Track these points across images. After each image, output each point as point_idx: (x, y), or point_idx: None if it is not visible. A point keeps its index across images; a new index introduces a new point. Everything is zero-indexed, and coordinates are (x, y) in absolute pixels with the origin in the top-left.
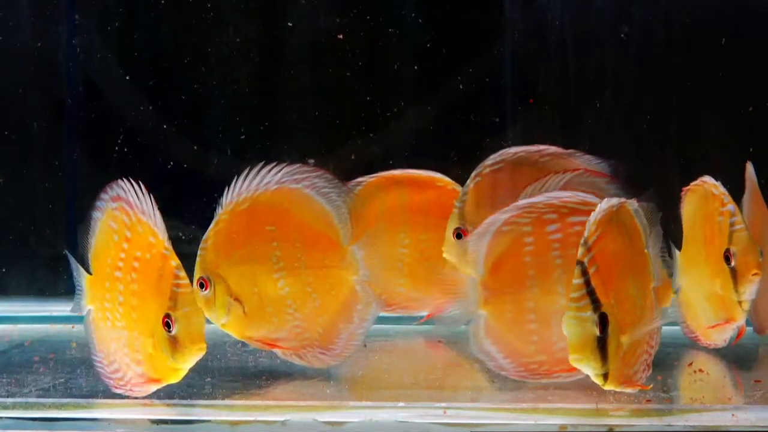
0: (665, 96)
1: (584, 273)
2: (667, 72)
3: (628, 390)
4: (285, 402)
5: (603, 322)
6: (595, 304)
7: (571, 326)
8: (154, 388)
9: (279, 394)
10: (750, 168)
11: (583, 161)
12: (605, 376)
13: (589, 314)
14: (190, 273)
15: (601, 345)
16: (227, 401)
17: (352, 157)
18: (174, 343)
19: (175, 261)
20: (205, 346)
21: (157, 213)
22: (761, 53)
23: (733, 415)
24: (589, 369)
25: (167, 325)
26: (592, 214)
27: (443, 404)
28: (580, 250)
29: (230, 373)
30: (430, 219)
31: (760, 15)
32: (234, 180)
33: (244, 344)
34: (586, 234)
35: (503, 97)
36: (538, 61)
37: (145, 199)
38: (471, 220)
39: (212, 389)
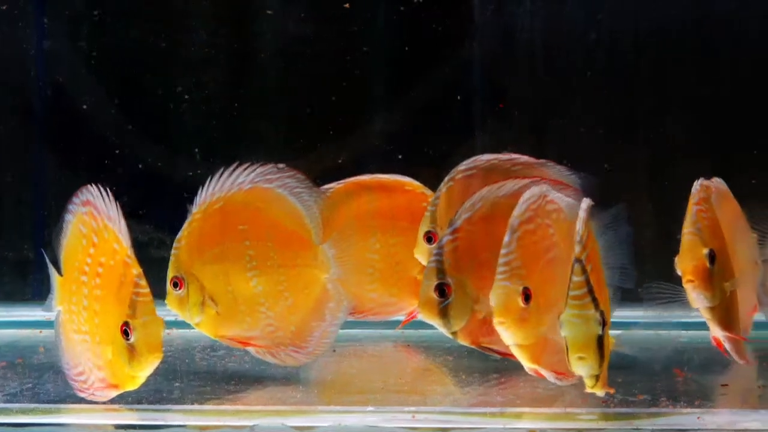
0: (635, 102)
1: (584, 270)
2: (636, 79)
3: (600, 392)
4: (254, 407)
5: (603, 320)
6: (596, 302)
7: (575, 325)
8: (114, 393)
9: (248, 399)
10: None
11: (554, 172)
12: (597, 378)
13: (592, 312)
14: (164, 275)
15: (600, 345)
16: (196, 406)
17: (322, 162)
18: (131, 351)
19: (136, 269)
20: (161, 355)
21: (122, 220)
22: (728, 60)
23: (698, 417)
24: (588, 369)
25: (125, 333)
26: (581, 212)
27: (412, 408)
28: (577, 248)
29: (199, 377)
30: (400, 223)
31: (728, 22)
32: (208, 180)
33: (213, 349)
34: (579, 232)
35: (472, 102)
36: (507, 66)
37: (112, 206)
38: (442, 224)
39: (181, 394)
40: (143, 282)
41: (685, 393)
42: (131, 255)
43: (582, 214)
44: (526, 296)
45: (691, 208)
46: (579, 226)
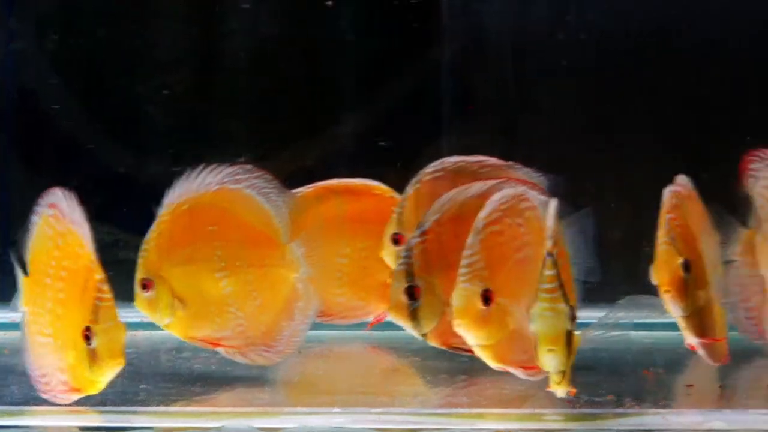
0: (603, 103)
1: (555, 264)
2: (605, 79)
3: (560, 393)
4: (220, 408)
5: (573, 315)
6: (566, 296)
7: (546, 318)
8: (75, 397)
9: (214, 401)
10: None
11: (522, 174)
12: (563, 374)
13: (563, 306)
14: (132, 276)
15: (569, 340)
16: (161, 408)
17: (289, 163)
18: (93, 356)
19: (99, 274)
20: (123, 361)
21: (86, 224)
22: (697, 60)
23: (663, 417)
24: (556, 364)
25: (87, 338)
26: (550, 208)
27: (378, 409)
28: (548, 242)
29: (164, 379)
30: (368, 227)
31: (696, 22)
32: (175, 181)
33: (178, 350)
34: (551, 227)
35: (441, 103)
36: (476, 67)
37: (76, 210)
38: (409, 226)
39: (146, 396)
40: (106, 287)
41: (650, 393)
42: (94, 260)
43: (551, 210)
44: (486, 298)
45: (664, 217)
46: (549, 221)
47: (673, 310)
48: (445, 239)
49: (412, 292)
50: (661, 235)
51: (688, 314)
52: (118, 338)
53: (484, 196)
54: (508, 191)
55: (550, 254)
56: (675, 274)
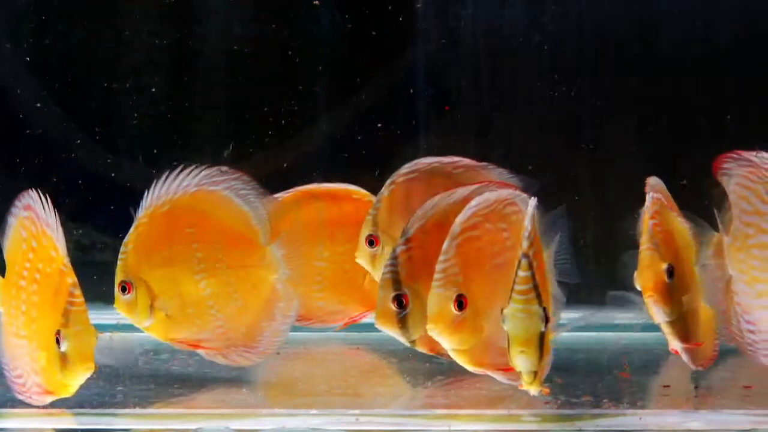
0: (578, 104)
1: (530, 266)
2: (580, 81)
3: (534, 391)
4: (197, 410)
5: (546, 316)
6: (540, 298)
7: (519, 319)
8: (49, 399)
9: (191, 402)
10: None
11: (496, 174)
12: (535, 374)
13: (536, 308)
14: (111, 278)
15: (541, 341)
16: (139, 410)
17: (266, 167)
18: (64, 360)
19: (71, 278)
20: (93, 365)
21: (60, 228)
22: (671, 61)
23: (640, 418)
24: (528, 365)
25: (58, 342)
26: (528, 209)
27: (356, 411)
28: (525, 244)
29: (142, 381)
30: (347, 231)
31: (670, 24)
32: (153, 184)
33: (156, 352)
34: (528, 228)
35: (417, 105)
36: (452, 69)
37: (50, 213)
38: (383, 228)
39: (124, 397)
40: (78, 291)
41: (627, 394)
42: (67, 264)
43: (529, 210)
44: (460, 303)
45: (647, 223)
46: (527, 222)
47: (656, 315)
48: (430, 246)
49: (400, 300)
50: (645, 241)
51: (671, 319)
52: (89, 342)
53: (467, 201)
54: (490, 195)
55: (525, 255)
56: (659, 279)
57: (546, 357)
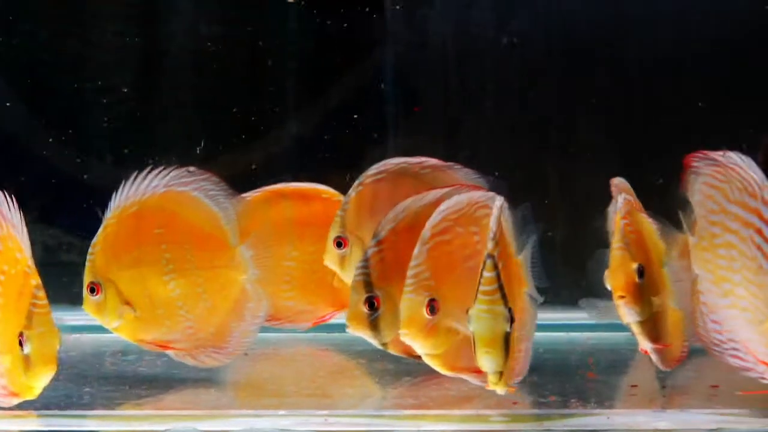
0: (546, 106)
1: (495, 267)
2: (548, 82)
3: (500, 391)
4: (165, 411)
5: (511, 317)
6: (505, 298)
7: (484, 320)
8: (15, 401)
9: (159, 403)
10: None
11: (462, 174)
12: (501, 375)
13: (501, 308)
14: (80, 279)
15: (507, 341)
16: (106, 411)
17: (234, 167)
18: (27, 362)
19: (35, 280)
20: (55, 367)
21: (24, 229)
22: (640, 62)
23: (608, 418)
24: (493, 365)
25: (21, 343)
26: (494, 209)
27: (325, 412)
28: (490, 244)
29: (110, 382)
30: (317, 231)
31: (638, 24)
32: (122, 184)
33: (123, 353)
34: (493, 229)
35: (386, 106)
36: (420, 70)
37: (16, 213)
38: (351, 229)
39: (91, 399)
40: (41, 293)
41: (594, 394)
42: (31, 265)
43: (495, 211)
44: (432, 307)
45: (619, 223)
46: (492, 223)
47: (627, 315)
48: (402, 248)
49: (372, 303)
50: (616, 241)
51: (642, 320)
52: (51, 345)
53: (438, 203)
54: (461, 198)
55: (490, 256)
56: (629, 279)
57: (512, 357)
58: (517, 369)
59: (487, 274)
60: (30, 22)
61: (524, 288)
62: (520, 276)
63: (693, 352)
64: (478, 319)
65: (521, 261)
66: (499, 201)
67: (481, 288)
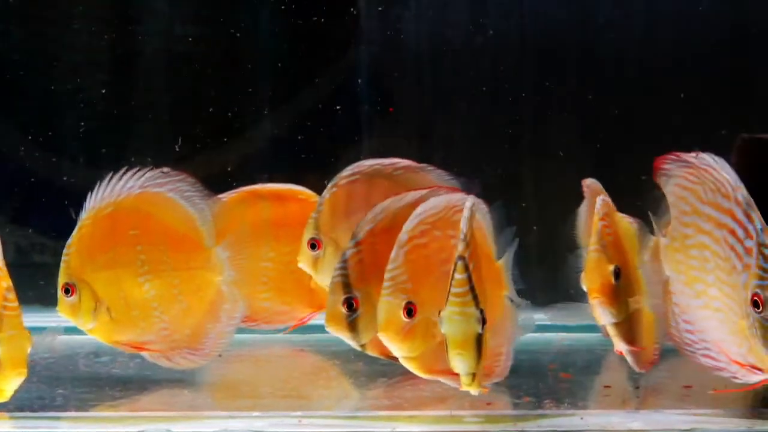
0: (519, 106)
1: (466, 268)
2: (521, 82)
3: (474, 391)
4: (139, 413)
5: (483, 318)
6: (476, 300)
7: (456, 322)
8: None
9: (133, 405)
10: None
11: (435, 176)
12: (473, 376)
13: (473, 310)
14: (49, 280)
15: (478, 343)
16: (80, 413)
17: (209, 168)
18: None
19: (6, 282)
20: (25, 371)
21: None
22: (614, 66)
23: (581, 418)
24: (466, 367)
25: None
26: (465, 211)
27: (298, 413)
28: (461, 246)
29: (83, 384)
30: (293, 232)
31: (608, 26)
32: (97, 185)
33: (96, 355)
34: (464, 230)
35: (360, 106)
36: (394, 71)
37: None
38: (325, 231)
39: (64, 401)
40: (12, 296)
41: (568, 394)
42: (2, 267)
43: (465, 212)
44: (409, 310)
45: (597, 225)
46: (462, 224)
47: (602, 316)
48: (380, 249)
49: (350, 303)
50: (593, 242)
51: (617, 321)
52: (21, 347)
53: (416, 205)
54: (438, 201)
55: (461, 258)
56: (605, 281)
57: (485, 358)
58: (498, 371)
59: (458, 275)
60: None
61: (504, 291)
62: (500, 280)
63: (666, 352)
64: (450, 321)
65: (501, 265)
66: (469, 202)
67: (452, 290)
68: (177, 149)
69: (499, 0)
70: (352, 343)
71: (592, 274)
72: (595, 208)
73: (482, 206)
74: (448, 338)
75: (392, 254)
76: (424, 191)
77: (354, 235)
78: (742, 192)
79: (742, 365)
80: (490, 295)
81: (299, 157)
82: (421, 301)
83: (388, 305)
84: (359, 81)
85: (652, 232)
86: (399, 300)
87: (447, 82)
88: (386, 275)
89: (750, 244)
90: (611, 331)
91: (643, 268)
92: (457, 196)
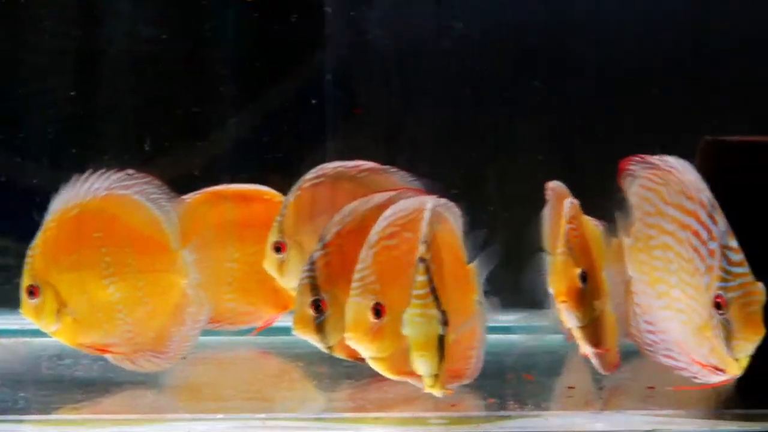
0: (485, 107)
1: (427, 270)
2: (488, 82)
3: (438, 393)
4: (101, 416)
5: (445, 320)
6: (438, 301)
7: (417, 324)
8: None
9: (96, 408)
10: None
11: (398, 177)
12: (437, 377)
13: (434, 311)
14: (12, 282)
15: (441, 344)
16: (42, 416)
17: (172, 169)
18: None
19: None
20: None
21: None
22: (582, 67)
23: (546, 420)
24: (428, 368)
25: None
26: (425, 213)
27: (262, 415)
28: (422, 248)
29: (46, 387)
30: (258, 232)
31: (579, 28)
32: (62, 187)
33: (59, 357)
34: (424, 232)
35: (325, 108)
36: (360, 72)
37: None
38: (290, 234)
39: (26, 404)
40: None
41: (532, 396)
42: None
43: (426, 214)
44: (377, 311)
45: (564, 228)
46: (423, 226)
47: (569, 320)
48: (348, 251)
49: (318, 305)
50: (560, 246)
51: (583, 324)
52: None
53: (384, 207)
54: (408, 203)
55: (422, 260)
56: (572, 284)
57: (448, 359)
58: (468, 373)
59: (420, 277)
60: None
61: (475, 295)
62: (471, 283)
63: (630, 353)
64: (411, 323)
65: (473, 268)
66: (430, 205)
67: (414, 292)
68: (143, 151)
69: (465, 1)
70: (320, 346)
71: (559, 277)
72: (563, 211)
73: (454, 209)
74: (410, 340)
75: (361, 255)
76: (392, 193)
77: (321, 237)
78: (706, 194)
79: (703, 365)
80: (461, 298)
81: (265, 159)
82: (390, 302)
83: (356, 306)
84: (325, 82)
85: (615, 233)
86: (367, 301)
87: (414, 83)
88: (354, 276)
89: (713, 246)
90: (576, 335)
91: (606, 269)
92: (428, 199)
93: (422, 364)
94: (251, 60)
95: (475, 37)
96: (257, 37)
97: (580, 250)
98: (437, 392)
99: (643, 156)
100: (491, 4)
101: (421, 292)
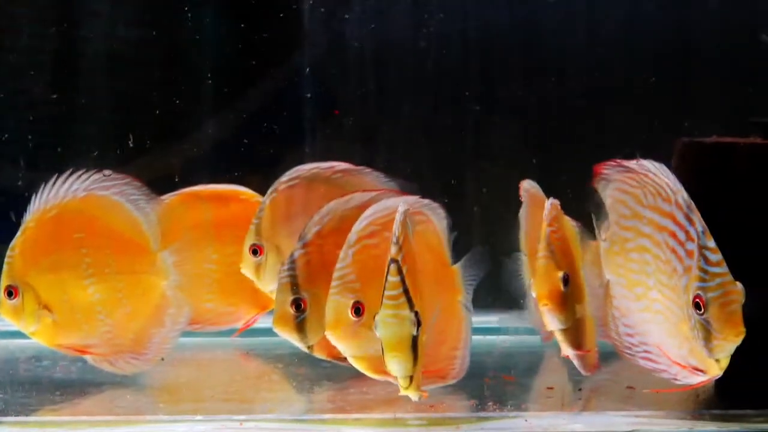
0: (464, 108)
1: (399, 271)
2: (465, 84)
3: (413, 396)
4: (79, 417)
5: (418, 321)
6: (411, 302)
7: (390, 325)
8: None
9: (74, 410)
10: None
11: (373, 178)
12: (411, 379)
13: (407, 312)
14: None
15: (414, 345)
16: (19, 418)
17: (151, 170)
18: None
19: None
20: None
21: None
22: (559, 69)
23: (526, 420)
24: (402, 370)
25: None
26: (397, 214)
27: (241, 416)
28: (393, 249)
29: (23, 388)
30: (236, 233)
31: (554, 29)
32: (41, 187)
33: (37, 359)
34: (396, 233)
35: (304, 109)
36: (338, 73)
37: None
38: (267, 237)
39: (5, 405)
40: None
41: (512, 397)
42: None
43: (398, 216)
44: (357, 309)
45: (545, 230)
46: (395, 227)
47: (551, 322)
48: (327, 250)
49: (298, 304)
50: (541, 249)
51: (565, 327)
52: None
53: (364, 207)
54: (389, 203)
55: (394, 261)
56: (554, 287)
57: (422, 360)
58: (453, 374)
59: (392, 278)
60: None
61: (459, 297)
62: (454, 284)
63: (609, 354)
64: (384, 324)
65: (457, 270)
66: (402, 206)
67: (386, 293)
68: (119, 152)
69: (443, 2)
70: (300, 345)
71: (541, 280)
72: (544, 213)
73: (439, 210)
74: (383, 341)
75: (341, 254)
76: (372, 193)
77: (302, 236)
78: (682, 195)
79: (683, 367)
80: (443, 299)
81: (243, 160)
82: (370, 301)
83: (336, 304)
84: (303, 83)
85: (592, 236)
86: (347, 299)
87: (392, 84)
88: (335, 274)
89: (691, 246)
90: (558, 337)
91: (584, 271)
92: (410, 199)
93: (396, 366)
94: (229, 61)
95: (454, 36)
96: (235, 37)
97: (561, 253)
98: (412, 394)
99: (618, 160)
100: (468, 5)
101: (393, 293)
